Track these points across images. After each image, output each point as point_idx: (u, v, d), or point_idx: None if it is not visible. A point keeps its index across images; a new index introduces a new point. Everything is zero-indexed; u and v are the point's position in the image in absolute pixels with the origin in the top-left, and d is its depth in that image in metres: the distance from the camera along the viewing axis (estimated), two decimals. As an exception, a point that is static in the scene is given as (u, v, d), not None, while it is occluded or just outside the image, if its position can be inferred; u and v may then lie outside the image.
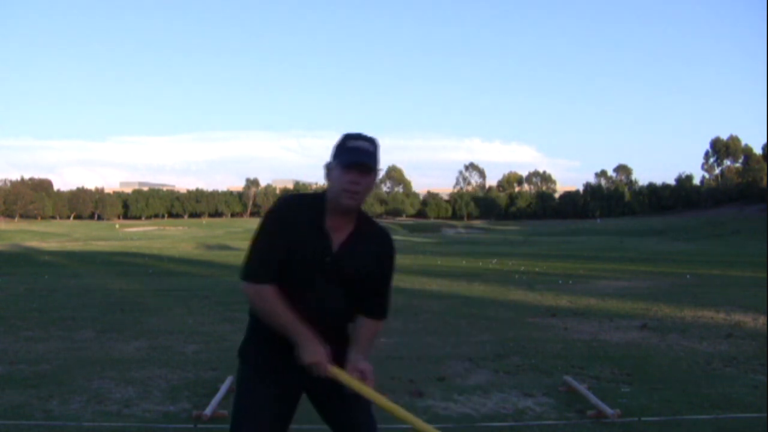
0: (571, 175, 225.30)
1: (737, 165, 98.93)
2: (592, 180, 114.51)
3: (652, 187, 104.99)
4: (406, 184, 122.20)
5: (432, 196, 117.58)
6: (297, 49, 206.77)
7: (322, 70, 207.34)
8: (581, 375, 5.45)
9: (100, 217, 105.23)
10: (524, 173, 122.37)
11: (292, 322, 2.09)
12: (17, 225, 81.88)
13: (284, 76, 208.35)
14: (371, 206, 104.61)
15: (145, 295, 11.69)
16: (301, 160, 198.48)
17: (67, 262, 22.98)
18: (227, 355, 5.75)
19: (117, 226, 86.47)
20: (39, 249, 35.38)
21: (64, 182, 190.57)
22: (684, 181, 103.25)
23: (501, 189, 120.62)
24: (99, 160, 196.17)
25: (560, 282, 14.68)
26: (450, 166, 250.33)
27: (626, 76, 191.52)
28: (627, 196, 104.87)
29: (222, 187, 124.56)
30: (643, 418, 4.22)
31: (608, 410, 4.22)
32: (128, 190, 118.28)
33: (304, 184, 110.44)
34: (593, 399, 4.49)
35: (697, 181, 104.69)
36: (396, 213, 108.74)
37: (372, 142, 2.11)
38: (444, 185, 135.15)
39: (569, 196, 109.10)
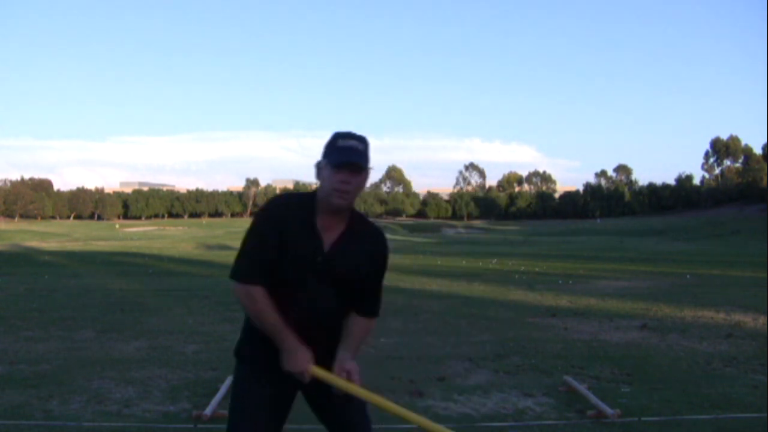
0: (571, 175, 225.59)
1: (737, 165, 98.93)
2: (592, 180, 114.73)
3: (652, 187, 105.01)
4: (406, 184, 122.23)
5: (432, 196, 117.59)
6: (297, 49, 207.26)
7: (322, 70, 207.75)
8: (581, 375, 5.45)
9: (100, 217, 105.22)
10: (524, 173, 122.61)
11: (278, 328, 2.08)
12: (17, 225, 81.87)
13: (284, 76, 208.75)
14: (371, 206, 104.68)
15: (145, 295, 11.69)
16: (301, 160, 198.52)
17: (67, 262, 22.99)
18: (227, 355, 5.71)
19: (117, 226, 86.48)
20: (39, 249, 35.39)
21: (64, 182, 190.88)
22: (684, 181, 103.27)
23: (501, 189, 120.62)
24: (99, 160, 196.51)
25: (560, 282, 14.68)
26: (450, 166, 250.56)
27: (626, 76, 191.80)
28: (627, 196, 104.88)
29: (222, 187, 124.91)
30: (643, 418, 4.22)
31: (608, 410, 4.22)
32: (128, 190, 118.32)
33: (304, 184, 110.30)
34: (593, 399, 4.49)
35: (697, 181, 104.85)
36: (396, 213, 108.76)
37: (362, 141, 2.10)
38: (444, 185, 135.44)
39: (569, 196, 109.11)
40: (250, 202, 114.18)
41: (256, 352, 2.21)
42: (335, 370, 2.12)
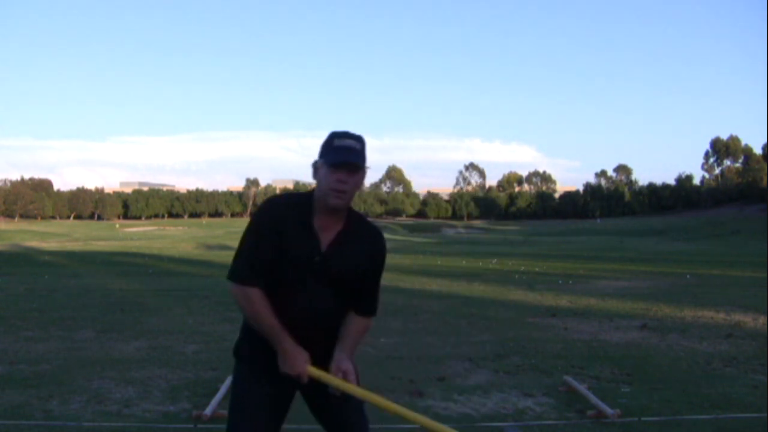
0: (571, 175, 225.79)
1: (737, 165, 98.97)
2: (592, 180, 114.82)
3: (652, 187, 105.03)
4: (406, 184, 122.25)
5: (432, 196, 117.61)
6: (297, 49, 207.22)
7: (322, 70, 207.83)
8: (581, 375, 5.45)
9: (100, 217, 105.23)
10: (524, 173, 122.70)
11: (275, 329, 2.08)
12: (17, 225, 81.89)
13: (284, 76, 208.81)
14: (371, 206, 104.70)
15: (145, 295, 11.69)
16: (301, 160, 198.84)
17: (67, 262, 23.00)
18: (227, 355, 5.69)
19: (117, 226, 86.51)
20: (39, 249, 35.40)
21: (64, 182, 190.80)
22: (684, 181, 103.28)
23: (501, 189, 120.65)
24: (99, 160, 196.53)
25: (560, 282, 14.68)
26: (450, 166, 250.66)
27: (626, 76, 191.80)
28: (627, 196, 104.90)
29: (222, 187, 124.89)
30: (643, 418, 4.22)
31: (608, 410, 4.22)
32: (128, 190, 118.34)
33: (304, 184, 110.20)
34: (593, 399, 4.49)
35: (697, 181, 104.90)
36: (396, 213, 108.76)
37: (359, 140, 2.09)
38: (444, 185, 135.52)
39: (569, 196, 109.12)
40: (250, 202, 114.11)
41: (255, 351, 2.21)
42: (332, 370, 2.11)
